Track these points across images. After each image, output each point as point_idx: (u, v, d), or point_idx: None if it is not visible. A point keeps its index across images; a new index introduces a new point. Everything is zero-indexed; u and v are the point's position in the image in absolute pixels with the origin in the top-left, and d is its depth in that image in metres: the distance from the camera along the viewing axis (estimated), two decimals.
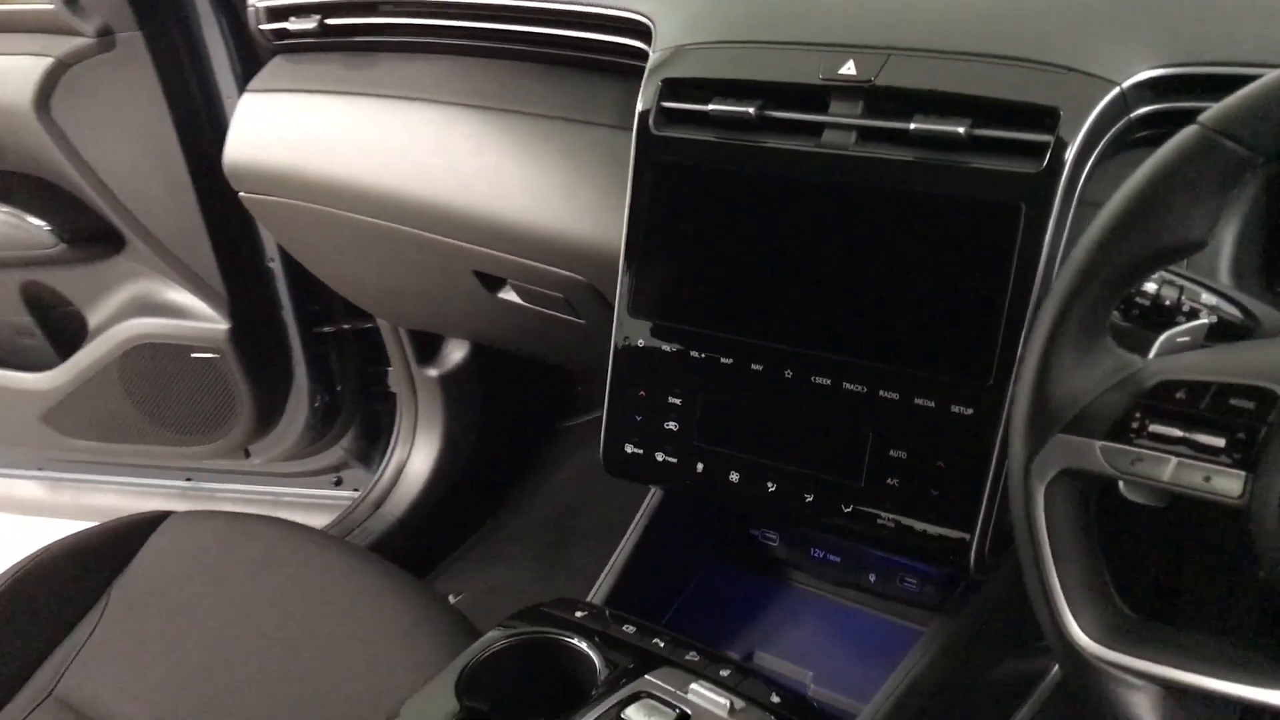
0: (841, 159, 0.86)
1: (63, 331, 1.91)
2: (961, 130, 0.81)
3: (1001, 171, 0.80)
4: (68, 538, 1.18)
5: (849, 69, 0.86)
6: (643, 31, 1.02)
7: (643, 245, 0.97)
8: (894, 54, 0.86)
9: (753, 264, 0.91)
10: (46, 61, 1.55)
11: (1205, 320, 0.66)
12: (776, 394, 0.91)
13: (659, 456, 0.97)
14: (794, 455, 0.90)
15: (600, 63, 1.10)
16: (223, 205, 1.57)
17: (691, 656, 0.84)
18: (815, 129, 0.88)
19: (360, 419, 1.95)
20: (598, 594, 1.04)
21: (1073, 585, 0.61)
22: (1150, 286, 0.69)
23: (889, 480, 0.86)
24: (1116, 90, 0.78)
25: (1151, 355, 0.63)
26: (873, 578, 1.05)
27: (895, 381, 0.85)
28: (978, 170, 0.81)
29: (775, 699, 0.79)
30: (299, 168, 1.31)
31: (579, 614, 0.89)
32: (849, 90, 0.87)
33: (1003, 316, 0.80)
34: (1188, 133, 0.59)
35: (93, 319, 1.86)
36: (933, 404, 0.83)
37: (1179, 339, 0.63)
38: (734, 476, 0.93)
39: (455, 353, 1.77)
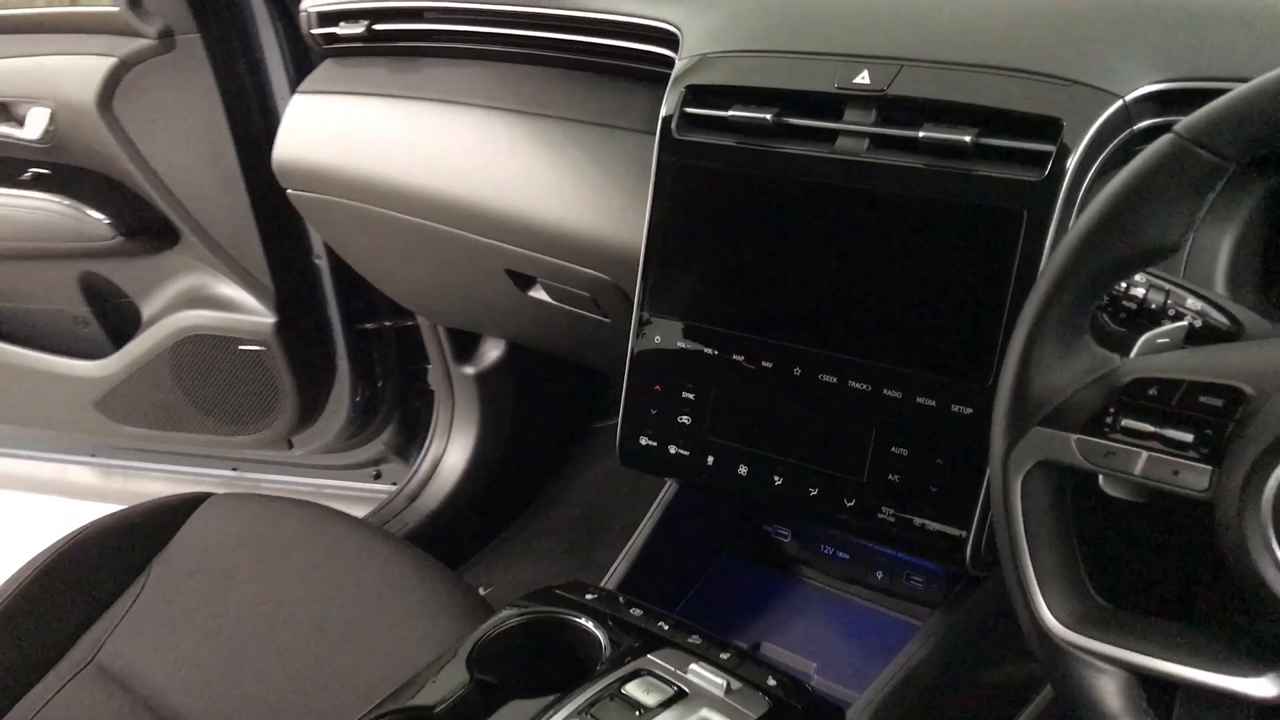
0: (854, 165, 0.89)
1: (118, 322, 1.95)
2: (968, 139, 0.83)
3: (1006, 179, 0.82)
4: (111, 515, 1.22)
5: (863, 79, 0.89)
6: (670, 40, 1.05)
7: (662, 245, 1.00)
8: (906, 65, 0.88)
9: (765, 264, 0.94)
10: (110, 61, 1.59)
11: (1186, 323, 0.68)
12: (785, 391, 0.93)
13: (672, 449, 1.00)
14: (800, 450, 0.93)
15: (630, 70, 1.13)
16: (273, 203, 1.60)
17: (694, 640, 0.85)
18: (830, 135, 0.91)
19: (400, 414, 1.96)
20: (611, 580, 1.06)
21: (1046, 572, 0.63)
22: (1138, 291, 0.71)
23: (890, 476, 0.88)
24: (1119, 103, 0.80)
25: (1131, 355, 0.65)
26: (880, 575, 1.07)
27: (899, 380, 0.87)
28: (983, 177, 0.83)
29: (771, 682, 0.81)
30: (344, 166, 1.36)
31: (589, 596, 0.91)
32: (863, 99, 0.90)
33: (1003, 319, 0.82)
34: (1163, 141, 0.61)
35: (146, 310, 1.90)
36: (934, 403, 0.86)
37: (1159, 340, 0.65)
38: (743, 470, 0.96)
39: (491, 352, 1.80)
